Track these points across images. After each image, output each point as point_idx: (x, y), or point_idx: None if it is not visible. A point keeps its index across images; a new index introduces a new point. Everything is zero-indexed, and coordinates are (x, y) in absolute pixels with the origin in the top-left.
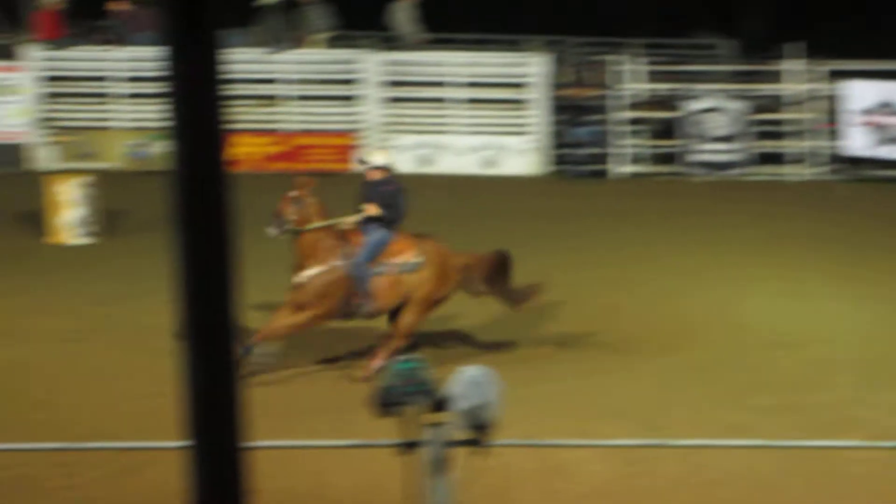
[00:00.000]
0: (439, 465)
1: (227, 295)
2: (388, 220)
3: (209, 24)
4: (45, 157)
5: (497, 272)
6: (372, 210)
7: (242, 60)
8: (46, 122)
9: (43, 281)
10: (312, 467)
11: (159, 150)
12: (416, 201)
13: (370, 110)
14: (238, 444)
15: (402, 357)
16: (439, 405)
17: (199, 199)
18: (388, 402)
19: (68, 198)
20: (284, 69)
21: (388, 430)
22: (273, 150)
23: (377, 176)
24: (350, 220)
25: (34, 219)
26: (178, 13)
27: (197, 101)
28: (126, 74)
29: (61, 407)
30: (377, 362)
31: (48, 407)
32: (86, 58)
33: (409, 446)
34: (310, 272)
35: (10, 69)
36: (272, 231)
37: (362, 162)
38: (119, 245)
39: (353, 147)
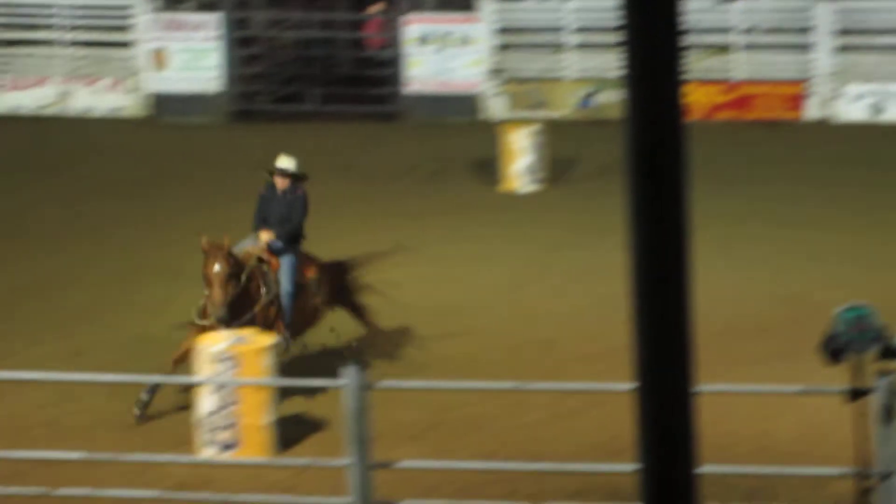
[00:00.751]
0: (889, 414)
1: (680, 241)
2: (294, 236)
3: None
4: (497, 107)
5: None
6: (265, 236)
7: (694, 9)
8: (500, 73)
9: (491, 229)
10: (758, 413)
11: (608, 99)
12: (863, 152)
13: (821, 58)
14: (686, 388)
15: (849, 304)
16: (890, 353)
17: (655, 148)
18: (836, 350)
19: (519, 146)
20: (736, 18)
21: (836, 378)
22: (720, 98)
23: (284, 185)
24: (255, 250)
25: (487, 167)
26: None
27: (654, 50)
28: (577, 25)
29: (502, 348)
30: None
31: (493, 349)
32: (538, 9)
33: (858, 394)
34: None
35: (468, 20)
36: (223, 318)
37: (271, 169)
38: (566, 193)
39: (803, 96)
